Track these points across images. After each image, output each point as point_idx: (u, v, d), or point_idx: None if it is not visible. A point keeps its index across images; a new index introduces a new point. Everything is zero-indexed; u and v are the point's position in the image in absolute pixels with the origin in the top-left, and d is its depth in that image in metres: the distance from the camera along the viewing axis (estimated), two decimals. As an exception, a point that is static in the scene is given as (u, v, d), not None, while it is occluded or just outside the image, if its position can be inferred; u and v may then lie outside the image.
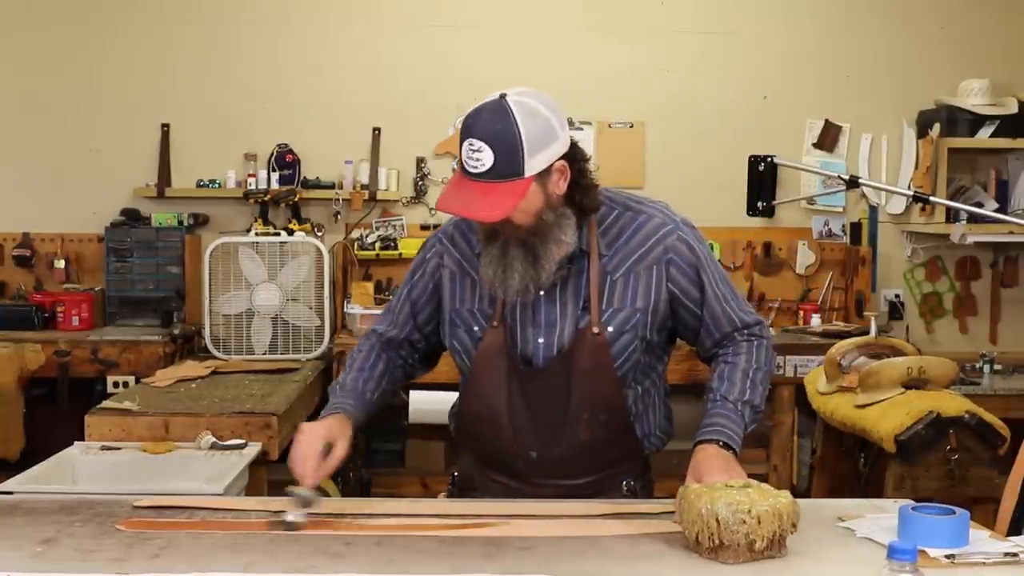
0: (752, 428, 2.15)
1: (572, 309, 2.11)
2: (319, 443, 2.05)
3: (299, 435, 2.07)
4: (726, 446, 2.05)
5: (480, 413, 2.19)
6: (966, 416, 3.29)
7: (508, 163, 1.94)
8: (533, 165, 1.96)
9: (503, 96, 1.97)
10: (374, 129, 5.26)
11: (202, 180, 5.16)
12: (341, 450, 2.08)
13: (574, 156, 2.06)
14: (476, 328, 2.17)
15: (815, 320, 5.13)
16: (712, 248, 5.16)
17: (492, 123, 1.94)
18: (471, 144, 1.95)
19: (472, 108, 2.00)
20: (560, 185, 2.04)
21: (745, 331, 2.20)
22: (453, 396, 4.89)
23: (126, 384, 4.39)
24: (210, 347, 4.57)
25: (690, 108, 5.28)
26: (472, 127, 1.96)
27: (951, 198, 5.07)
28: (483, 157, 1.94)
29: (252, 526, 1.95)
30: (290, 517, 1.95)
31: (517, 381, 2.13)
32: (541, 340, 2.12)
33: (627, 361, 2.13)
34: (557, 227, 2.05)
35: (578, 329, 2.11)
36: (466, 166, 1.97)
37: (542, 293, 2.10)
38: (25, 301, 4.96)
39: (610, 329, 2.10)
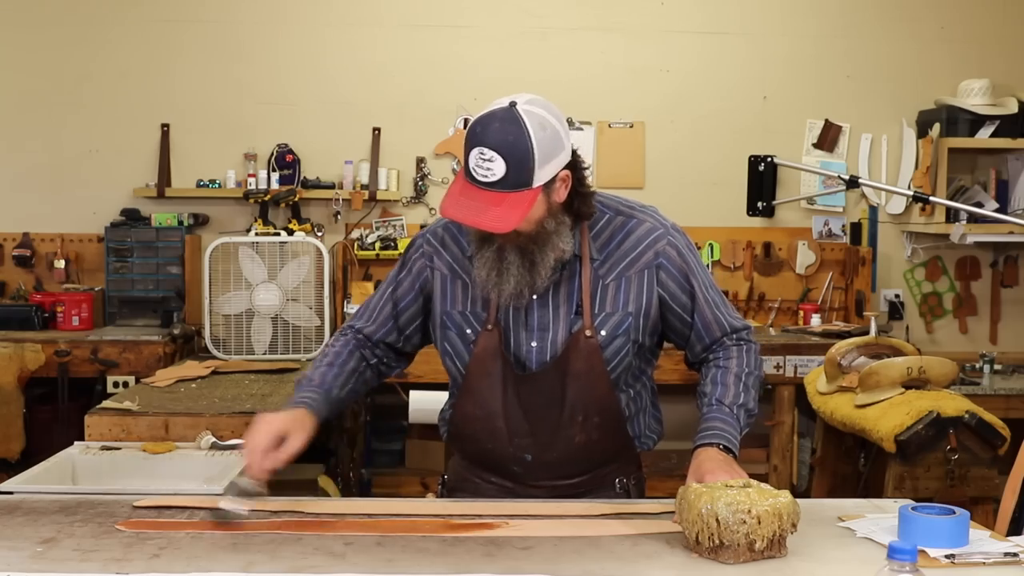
0: (746, 432, 2.16)
1: (565, 313, 2.12)
2: (271, 436, 2.01)
3: (253, 425, 2.03)
4: (726, 449, 2.06)
5: (476, 415, 2.19)
6: (966, 416, 3.29)
7: (519, 173, 1.93)
8: (541, 176, 1.96)
9: (513, 104, 1.95)
10: (374, 129, 5.26)
11: (202, 180, 5.16)
12: (295, 444, 2.03)
13: (575, 164, 2.06)
14: (469, 331, 2.16)
15: (815, 320, 5.13)
16: (712, 248, 5.23)
17: (504, 133, 1.92)
18: (482, 153, 1.92)
19: (480, 114, 1.97)
20: (562, 193, 2.04)
21: (734, 335, 2.21)
22: (453, 396, 4.82)
23: (126, 384, 4.39)
24: (210, 347, 4.57)
25: (690, 108, 5.29)
26: (483, 135, 1.93)
27: (951, 198, 5.08)
28: (494, 167, 1.92)
29: (252, 526, 1.95)
30: (223, 504, 1.93)
31: (512, 384, 2.13)
32: (534, 344, 2.13)
33: (620, 364, 2.14)
34: (556, 234, 2.05)
35: (571, 333, 2.11)
36: (474, 174, 1.94)
37: (535, 297, 2.10)
38: (25, 301, 4.97)
39: (603, 333, 2.11)
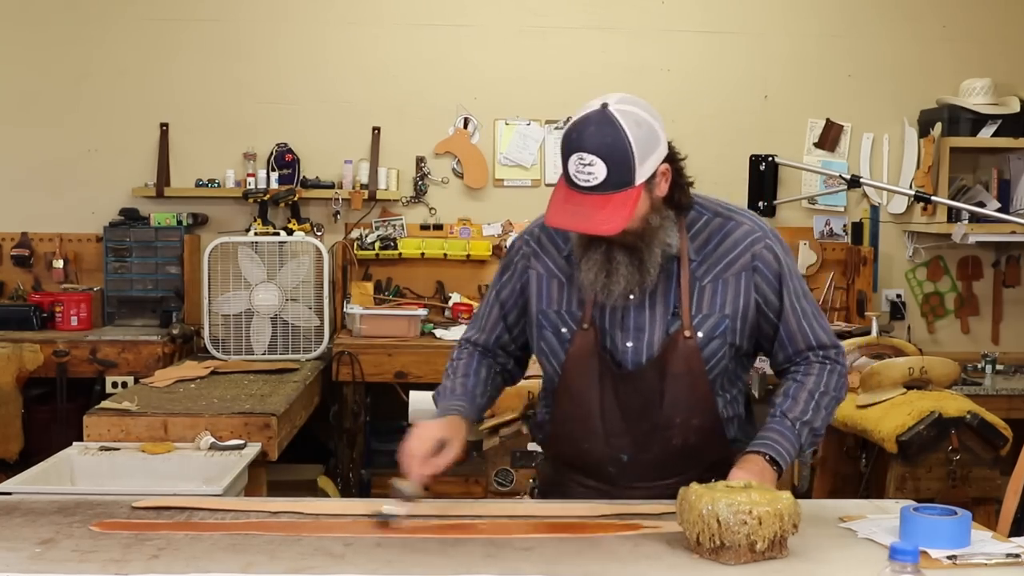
0: (810, 450, 2.15)
1: (662, 313, 2.11)
2: (430, 442, 2.05)
3: (411, 432, 2.07)
4: (772, 461, 2.05)
5: (572, 414, 2.18)
6: (968, 416, 3.28)
7: (620, 174, 1.93)
8: (642, 173, 1.96)
9: (605, 106, 1.95)
10: (374, 129, 5.25)
11: (201, 180, 5.15)
12: (455, 450, 2.07)
13: (673, 156, 2.07)
14: (564, 330, 2.16)
15: (816, 320, 5.11)
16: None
17: (601, 136, 1.92)
18: (581, 159, 1.93)
19: (573, 120, 1.97)
20: (663, 187, 2.04)
21: (820, 352, 2.17)
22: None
23: (125, 384, 4.38)
24: (209, 347, 4.56)
25: (691, 107, 5.27)
26: (580, 141, 1.93)
27: (953, 198, 5.07)
28: (595, 171, 1.93)
29: (252, 526, 1.94)
30: (386, 508, 1.96)
31: (610, 383, 2.13)
32: (630, 344, 2.12)
33: (716, 366, 2.12)
34: (662, 229, 2.05)
35: (669, 334, 2.10)
36: (575, 180, 1.95)
37: (631, 297, 2.09)
38: (24, 301, 4.96)
39: (700, 334, 2.10)
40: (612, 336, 2.12)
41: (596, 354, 2.12)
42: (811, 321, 2.16)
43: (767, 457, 2.04)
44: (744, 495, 1.79)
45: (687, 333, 2.09)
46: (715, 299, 2.11)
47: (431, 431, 2.07)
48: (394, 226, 5.24)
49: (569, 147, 1.95)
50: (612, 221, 1.93)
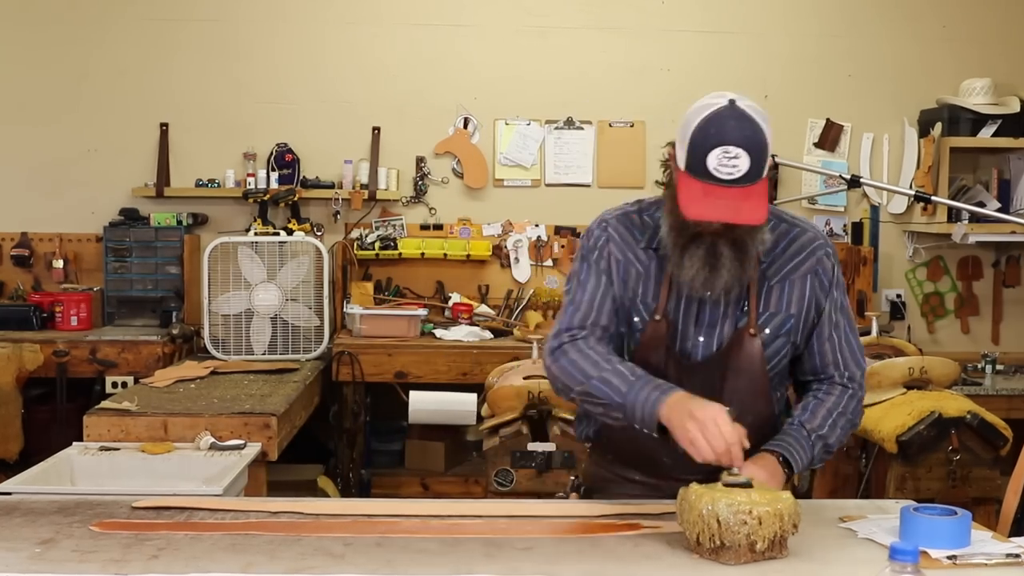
0: (818, 466, 2.20)
1: (732, 310, 2.15)
2: (731, 421, 1.95)
3: (709, 420, 1.93)
4: (785, 462, 2.07)
5: None
6: (968, 416, 3.28)
7: (759, 165, 1.97)
8: (768, 165, 2.01)
9: (733, 102, 1.98)
10: (374, 129, 5.25)
11: (201, 180, 5.15)
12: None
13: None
14: (636, 319, 2.18)
15: (816, 320, 5.11)
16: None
17: (742, 130, 1.96)
18: (727, 152, 1.96)
19: (704, 116, 1.98)
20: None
21: (845, 373, 2.22)
22: (453, 396, 4.84)
23: (125, 384, 4.38)
24: (209, 347, 4.56)
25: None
26: (722, 135, 1.96)
27: (953, 198, 5.07)
28: (740, 163, 1.96)
29: (252, 526, 1.94)
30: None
31: (674, 373, 2.15)
32: (702, 339, 2.16)
33: (778, 365, 2.18)
34: (764, 222, 2.08)
35: (736, 329, 2.15)
36: (717, 173, 1.96)
37: (708, 293, 2.11)
38: (23, 301, 4.96)
39: (766, 332, 2.15)
40: (685, 329, 2.16)
41: (664, 345, 2.16)
42: (843, 334, 2.23)
43: (780, 458, 2.08)
44: (744, 495, 1.79)
45: (752, 330, 2.14)
46: (782, 299, 2.16)
47: (720, 410, 1.96)
48: (394, 226, 5.23)
49: (708, 141, 1.97)
50: (758, 211, 1.98)
